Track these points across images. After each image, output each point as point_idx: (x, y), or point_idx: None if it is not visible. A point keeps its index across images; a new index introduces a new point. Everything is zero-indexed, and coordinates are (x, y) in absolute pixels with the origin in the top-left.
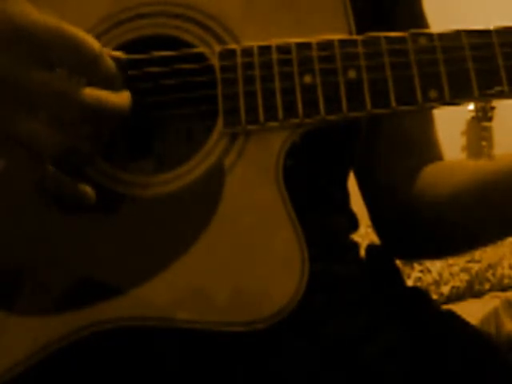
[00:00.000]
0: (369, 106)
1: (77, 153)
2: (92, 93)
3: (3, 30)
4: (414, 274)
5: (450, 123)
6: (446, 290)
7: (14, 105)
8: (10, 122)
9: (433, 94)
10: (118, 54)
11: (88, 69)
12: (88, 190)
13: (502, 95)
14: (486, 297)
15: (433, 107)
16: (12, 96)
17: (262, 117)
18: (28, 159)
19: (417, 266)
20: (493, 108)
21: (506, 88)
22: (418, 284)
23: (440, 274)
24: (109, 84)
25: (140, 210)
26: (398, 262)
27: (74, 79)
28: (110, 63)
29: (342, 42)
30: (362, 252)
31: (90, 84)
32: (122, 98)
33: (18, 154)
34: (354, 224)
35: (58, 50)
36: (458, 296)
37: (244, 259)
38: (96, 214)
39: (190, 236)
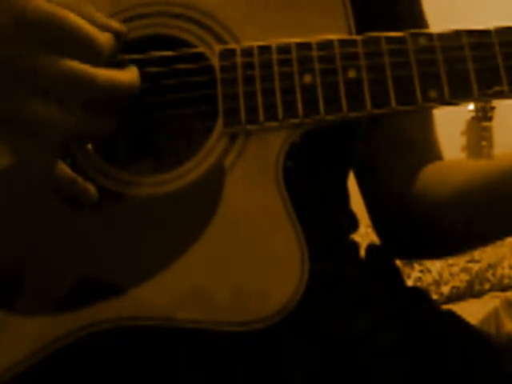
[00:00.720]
0: (368, 105)
1: (87, 134)
2: (103, 73)
3: (6, 18)
4: (414, 274)
5: (450, 123)
6: (446, 289)
7: (25, 89)
8: (22, 107)
9: (432, 93)
10: (120, 27)
11: (90, 53)
12: (91, 188)
13: (501, 95)
14: (486, 297)
15: (432, 107)
16: (23, 81)
17: (261, 117)
18: (35, 149)
19: (417, 266)
20: (493, 108)
21: (505, 88)
22: (418, 284)
23: (440, 274)
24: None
25: (140, 209)
26: (398, 262)
27: (83, 60)
28: (112, 44)
29: (341, 41)
30: (362, 252)
31: (99, 64)
32: (131, 75)
33: (26, 144)
34: (354, 224)
35: (63, 34)
36: (458, 296)
37: (244, 259)
38: (96, 214)
39: (189, 236)
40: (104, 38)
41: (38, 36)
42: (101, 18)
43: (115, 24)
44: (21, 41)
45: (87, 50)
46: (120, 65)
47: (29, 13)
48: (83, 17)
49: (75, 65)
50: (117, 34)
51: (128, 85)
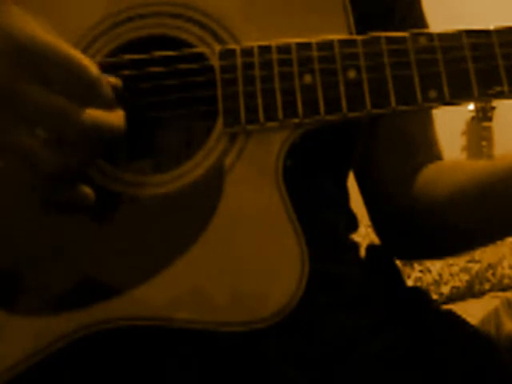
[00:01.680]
0: (369, 105)
1: (71, 170)
2: (90, 113)
3: (4, 46)
4: (414, 274)
5: (450, 123)
6: (446, 289)
7: (13, 118)
8: (8, 134)
9: (433, 93)
10: (116, 81)
11: (85, 91)
12: (87, 191)
13: (501, 95)
14: (486, 297)
15: (432, 107)
16: (12, 109)
17: (261, 117)
18: (29, 172)
19: (417, 266)
20: (493, 108)
21: (505, 88)
22: (418, 284)
23: (440, 274)
24: (105, 105)
25: (140, 209)
26: (398, 262)
27: (73, 99)
28: (107, 88)
29: (341, 41)
30: (362, 252)
31: (87, 104)
32: (118, 118)
33: (16, 162)
34: (354, 224)
35: (57, 70)
36: (458, 296)
37: (243, 259)
38: (96, 214)
39: (189, 236)
40: (100, 78)
41: (33, 67)
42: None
43: (112, 79)
44: (16, 69)
45: (82, 88)
46: (108, 106)
47: (28, 43)
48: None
49: (63, 101)
50: (111, 84)
51: (112, 128)
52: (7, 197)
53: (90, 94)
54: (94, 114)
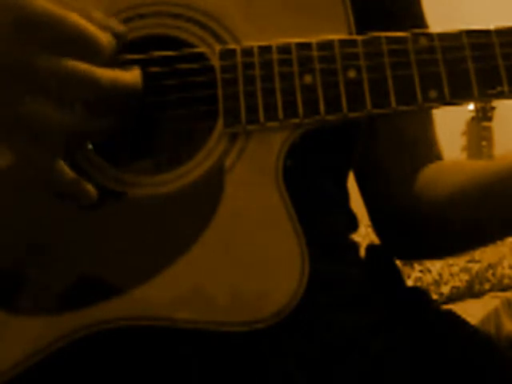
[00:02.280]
0: (369, 105)
1: (89, 135)
2: (105, 73)
3: (7, 17)
4: (414, 274)
5: (450, 123)
6: (446, 289)
7: (24, 88)
8: (22, 106)
9: (433, 93)
10: (121, 28)
11: (96, 54)
12: (90, 188)
13: (501, 95)
14: (486, 297)
15: (432, 107)
16: (22, 80)
17: (262, 117)
18: (36, 149)
19: (417, 266)
20: (493, 108)
21: (505, 88)
22: (418, 284)
23: (440, 274)
24: (118, 64)
25: (140, 209)
26: (398, 262)
27: (85, 61)
28: (114, 46)
29: (341, 41)
30: (362, 252)
31: (100, 65)
32: (133, 75)
33: (26, 144)
34: (353, 224)
35: (62, 35)
36: (458, 296)
37: (244, 259)
38: (96, 214)
39: (189, 236)
40: (105, 38)
41: (39, 35)
42: (101, 18)
43: (115, 24)
44: (21, 40)
45: (88, 50)
46: (122, 65)
47: (30, 12)
48: (84, 17)
49: (76, 64)
50: (117, 35)
51: (130, 85)
52: (8, 196)
53: (100, 55)
54: (109, 72)
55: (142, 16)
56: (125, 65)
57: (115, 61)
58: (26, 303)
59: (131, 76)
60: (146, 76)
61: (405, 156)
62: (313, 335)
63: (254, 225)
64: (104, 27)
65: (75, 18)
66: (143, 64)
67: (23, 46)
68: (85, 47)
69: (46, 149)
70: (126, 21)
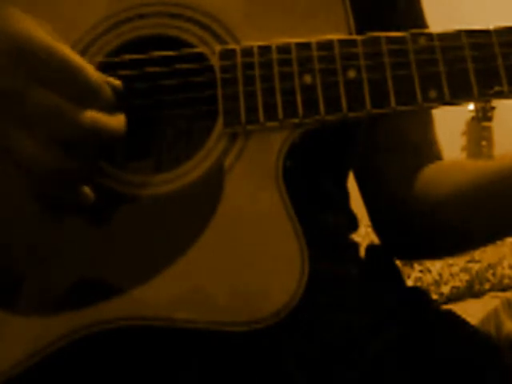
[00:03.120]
0: (368, 105)
1: (71, 173)
2: (90, 115)
3: (5, 47)
4: (414, 274)
5: (450, 123)
6: (446, 289)
7: (11, 121)
8: (6, 138)
9: (432, 93)
10: (116, 82)
11: (84, 93)
12: (86, 190)
13: (501, 95)
14: (486, 297)
15: (432, 107)
16: (10, 112)
17: (261, 117)
18: (19, 178)
19: (417, 266)
20: (493, 108)
21: (505, 88)
22: (418, 284)
23: (440, 274)
24: (106, 108)
25: (140, 209)
26: (398, 262)
27: (72, 101)
28: (107, 91)
29: (341, 41)
30: (362, 252)
31: (87, 107)
32: (118, 121)
33: (15, 165)
34: (354, 224)
35: (55, 71)
36: (458, 296)
37: (244, 259)
38: (96, 214)
39: (189, 236)
40: (100, 84)
41: (35, 68)
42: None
43: (112, 80)
44: (16, 71)
45: (81, 91)
46: (109, 110)
47: (31, 44)
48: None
49: (63, 103)
50: (113, 87)
51: (114, 131)
52: (7, 198)
53: (88, 96)
54: (93, 115)
55: (142, 16)
56: (111, 110)
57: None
58: (27, 303)
59: (116, 122)
60: (145, 76)
61: (405, 156)
62: (312, 335)
63: (254, 225)
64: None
65: (73, 56)
66: (143, 64)
67: (15, 76)
68: (78, 87)
69: (28, 181)
70: (126, 21)
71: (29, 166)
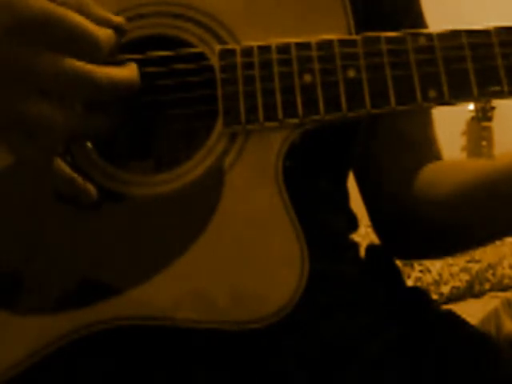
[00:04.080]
0: (368, 105)
1: (87, 133)
2: (103, 70)
3: (5, 18)
4: (414, 274)
5: (450, 123)
6: (446, 289)
7: (24, 88)
8: (22, 107)
9: (432, 93)
10: (119, 20)
11: (94, 51)
12: (90, 187)
13: (501, 95)
14: (486, 297)
15: (432, 107)
16: (23, 81)
17: (261, 116)
18: (34, 148)
19: (417, 266)
20: (493, 108)
21: (505, 88)
22: (418, 284)
23: (440, 274)
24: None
25: (140, 209)
26: (398, 262)
27: (83, 60)
28: (114, 43)
29: (341, 41)
30: (362, 252)
31: (98, 63)
32: (131, 72)
33: (25, 144)
34: (354, 224)
35: (61, 33)
36: (458, 296)
37: (243, 259)
38: (96, 214)
39: (189, 235)
40: (104, 35)
41: (38, 35)
42: (101, 13)
43: (115, 18)
44: (20, 40)
45: (87, 48)
46: (119, 62)
47: (28, 12)
48: (83, 14)
49: (75, 64)
50: (117, 29)
51: (127, 82)
52: (8, 196)
53: (98, 53)
54: (106, 70)
55: (142, 16)
56: (121, 61)
57: (112, 57)
58: (27, 303)
59: (128, 72)
60: (145, 76)
61: (404, 156)
62: (313, 335)
63: (254, 225)
64: (104, 23)
65: (74, 16)
66: (141, 64)
67: (22, 45)
68: (83, 45)
69: (45, 148)
70: (127, 21)
71: (47, 130)
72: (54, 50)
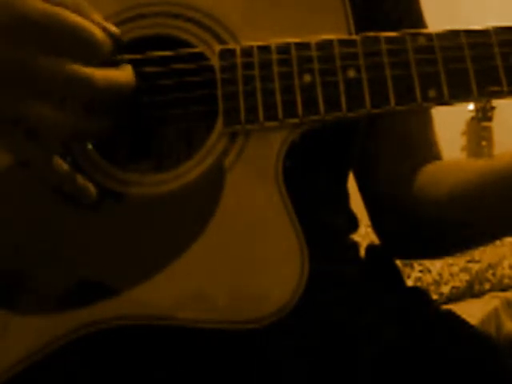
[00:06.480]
0: (368, 105)
1: (87, 134)
2: (101, 73)
3: (4, 19)
4: (414, 274)
5: (450, 123)
6: (446, 289)
7: (22, 90)
8: (23, 108)
9: (432, 93)
10: (115, 29)
11: (92, 53)
12: (90, 186)
13: (500, 95)
14: (486, 297)
15: (431, 107)
16: (20, 81)
17: (261, 116)
18: (34, 149)
19: (417, 266)
20: (493, 108)
21: (504, 88)
22: (418, 284)
23: (440, 274)
24: (112, 63)
25: (139, 209)
26: (398, 262)
27: (81, 62)
28: (109, 44)
29: (341, 41)
30: (362, 252)
31: (95, 66)
32: (127, 74)
33: (24, 144)
34: (354, 224)
35: (61, 35)
36: (457, 296)
37: (243, 259)
38: (96, 214)
39: (189, 235)
40: (102, 37)
41: (38, 37)
42: (98, 18)
43: (110, 26)
44: (20, 42)
45: (86, 48)
46: (115, 64)
47: (28, 13)
48: (81, 15)
49: (74, 66)
50: (111, 35)
51: (124, 84)
52: (7, 196)
53: (96, 54)
54: (103, 73)
55: (142, 16)
56: (118, 64)
57: (108, 60)
58: (28, 302)
59: (124, 74)
60: (145, 76)
61: (404, 156)
62: (313, 335)
63: (254, 224)
64: (101, 28)
65: (72, 16)
66: (141, 64)
67: (22, 47)
68: (82, 45)
69: (45, 148)
70: (127, 21)
71: (44, 131)
72: (53, 50)
